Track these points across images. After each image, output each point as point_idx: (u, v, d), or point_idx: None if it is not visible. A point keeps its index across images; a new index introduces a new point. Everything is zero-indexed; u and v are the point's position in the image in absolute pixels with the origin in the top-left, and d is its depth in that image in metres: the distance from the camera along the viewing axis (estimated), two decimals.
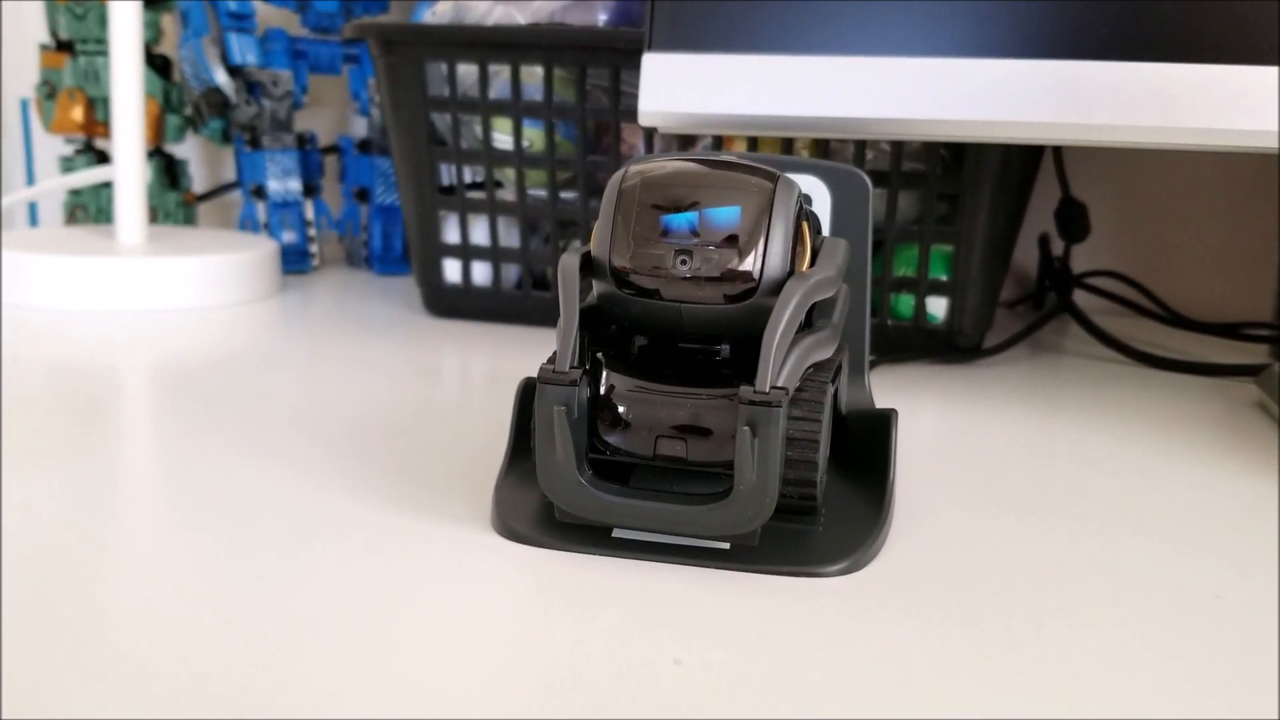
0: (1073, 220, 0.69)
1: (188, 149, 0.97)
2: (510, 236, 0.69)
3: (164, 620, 0.29)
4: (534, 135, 0.66)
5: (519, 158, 0.65)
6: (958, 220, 0.60)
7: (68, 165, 0.88)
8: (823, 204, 0.44)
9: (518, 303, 0.69)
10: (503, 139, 0.66)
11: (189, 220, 0.90)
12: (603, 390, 0.34)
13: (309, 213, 0.86)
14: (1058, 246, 0.81)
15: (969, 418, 0.52)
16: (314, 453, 0.43)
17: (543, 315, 0.68)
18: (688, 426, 0.33)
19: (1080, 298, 0.79)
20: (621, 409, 0.34)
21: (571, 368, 0.33)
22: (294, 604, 0.30)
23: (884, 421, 0.38)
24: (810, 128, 0.47)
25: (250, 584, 0.31)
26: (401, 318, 0.70)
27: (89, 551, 0.33)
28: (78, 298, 0.68)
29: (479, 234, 0.68)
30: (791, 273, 0.34)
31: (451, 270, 0.69)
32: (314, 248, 0.87)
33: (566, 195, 0.67)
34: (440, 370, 0.57)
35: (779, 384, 0.32)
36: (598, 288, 0.35)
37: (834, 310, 0.38)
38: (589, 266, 0.35)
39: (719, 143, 0.62)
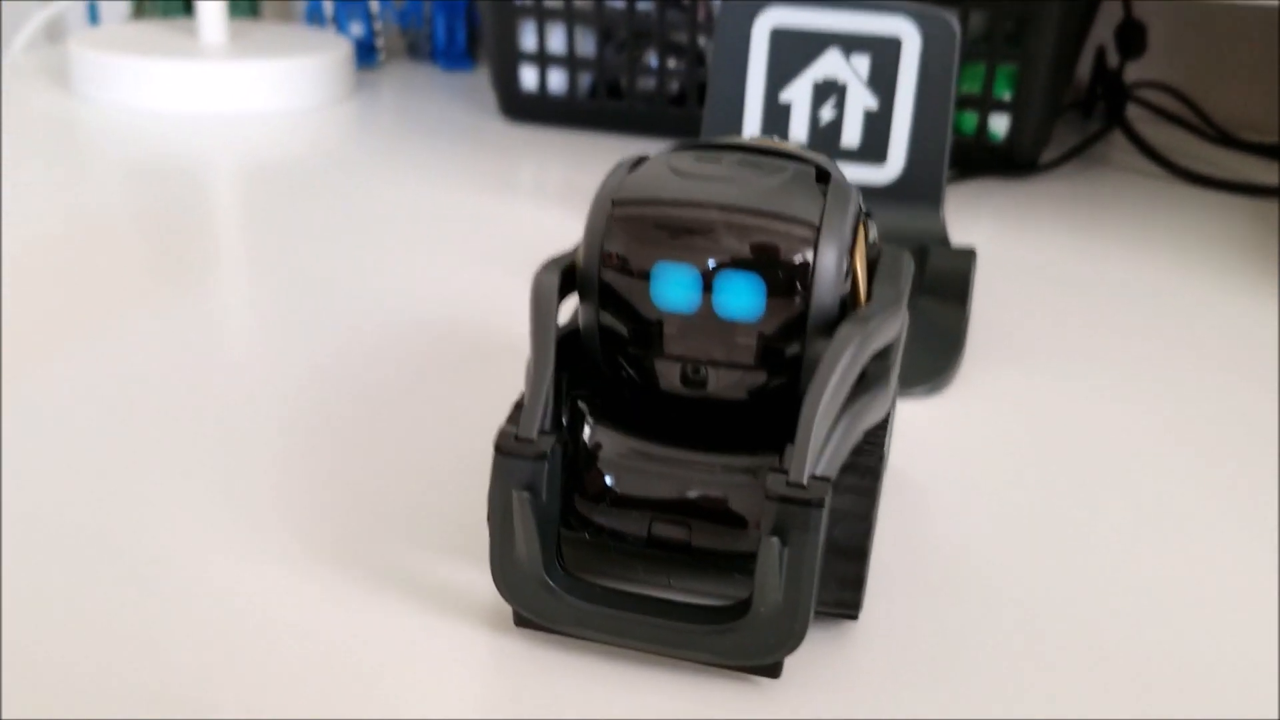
0: (1132, 42, 0.71)
1: None
2: (586, 44, 0.71)
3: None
4: None
5: None
6: (1025, 39, 0.62)
7: None
8: (912, 49, 0.46)
9: (593, 112, 0.71)
10: None
11: (253, 9, 0.91)
12: (585, 448, 0.26)
13: (374, 6, 0.88)
14: (1112, 59, 0.82)
15: (1021, 243, 0.55)
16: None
17: (616, 122, 0.71)
18: (694, 506, 0.25)
19: (1129, 109, 0.81)
20: (609, 479, 0.26)
21: (542, 433, 0.25)
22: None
23: None
24: None
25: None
26: (478, 123, 0.73)
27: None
28: (163, 99, 0.71)
29: (555, 42, 0.70)
30: (843, 310, 0.25)
31: (528, 77, 0.72)
32: (380, 42, 0.88)
33: (643, 5, 0.68)
34: (518, 184, 0.61)
35: (819, 473, 0.24)
36: (583, 318, 0.26)
37: (892, 350, 0.27)
38: (571, 283, 0.26)
39: None
